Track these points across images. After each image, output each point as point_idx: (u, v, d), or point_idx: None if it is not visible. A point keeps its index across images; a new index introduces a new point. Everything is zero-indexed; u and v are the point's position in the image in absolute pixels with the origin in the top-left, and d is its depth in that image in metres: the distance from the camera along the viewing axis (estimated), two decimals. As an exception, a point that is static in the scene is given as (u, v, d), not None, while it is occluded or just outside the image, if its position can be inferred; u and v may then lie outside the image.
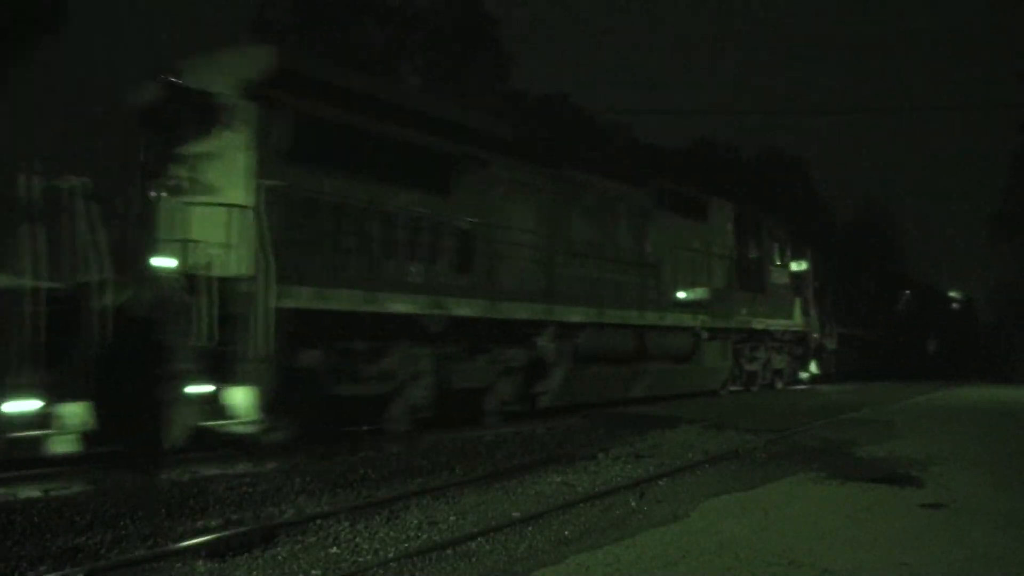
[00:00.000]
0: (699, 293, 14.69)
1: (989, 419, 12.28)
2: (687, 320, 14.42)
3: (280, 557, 4.49)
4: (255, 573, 4.26)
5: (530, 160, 11.36)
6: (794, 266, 19.91)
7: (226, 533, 4.90)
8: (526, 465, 7.53)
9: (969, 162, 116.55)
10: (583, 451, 8.40)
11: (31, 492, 5.83)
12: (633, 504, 5.89)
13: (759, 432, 9.87)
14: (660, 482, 6.72)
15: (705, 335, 14.97)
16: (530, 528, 5.15)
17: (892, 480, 6.70)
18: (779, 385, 18.94)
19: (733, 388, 17.00)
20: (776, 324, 18.19)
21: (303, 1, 27.70)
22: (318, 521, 5.27)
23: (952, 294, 42.65)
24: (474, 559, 4.50)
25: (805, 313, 19.99)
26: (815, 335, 21.32)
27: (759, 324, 17.19)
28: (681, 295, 14.36)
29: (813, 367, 21.37)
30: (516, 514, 5.49)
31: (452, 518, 5.40)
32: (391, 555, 4.49)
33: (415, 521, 5.29)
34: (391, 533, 4.99)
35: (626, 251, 13.10)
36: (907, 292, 33.42)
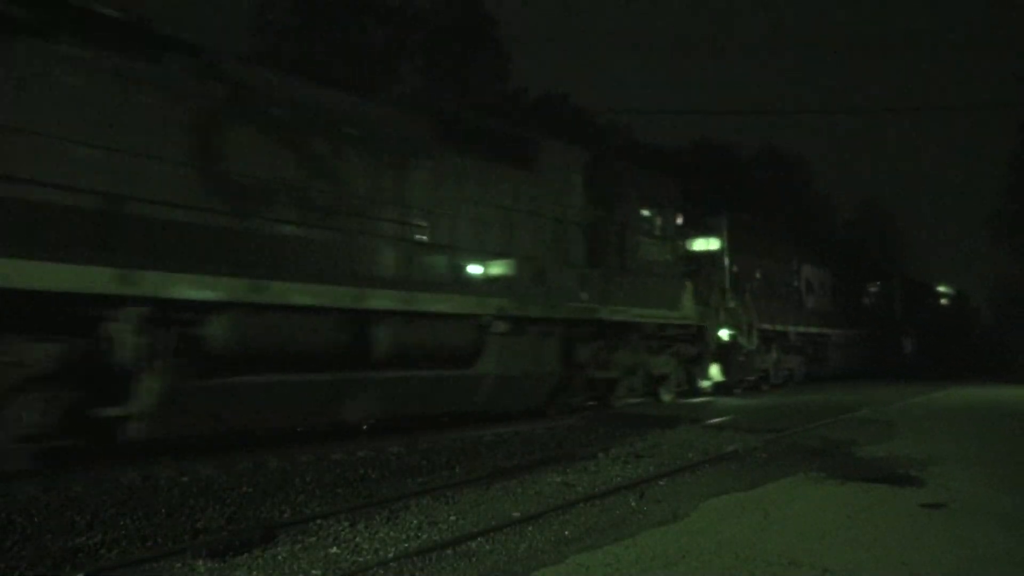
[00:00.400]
0: (498, 267, 10.35)
1: (989, 419, 12.27)
2: (467, 304, 9.79)
3: (280, 557, 4.49)
4: (255, 573, 4.26)
5: (123, 39, 7.12)
6: (701, 243, 15.55)
7: (226, 533, 4.90)
8: (526, 465, 7.53)
9: (969, 162, 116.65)
10: (583, 451, 8.41)
11: (31, 492, 5.82)
12: (633, 504, 5.89)
13: (758, 432, 9.87)
14: (660, 482, 6.72)
15: (501, 328, 10.25)
16: (530, 528, 5.15)
17: (892, 480, 6.70)
18: (666, 397, 14.44)
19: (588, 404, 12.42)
20: (650, 315, 13.32)
21: (303, 1, 27.71)
22: (318, 521, 5.27)
23: (941, 288, 39.06)
24: (474, 559, 4.50)
25: (703, 303, 15.25)
26: (726, 331, 16.57)
27: (616, 314, 12.33)
28: (473, 269, 10.05)
29: (715, 372, 16.63)
30: (516, 514, 5.49)
31: (452, 518, 5.41)
32: (391, 555, 4.49)
33: (415, 521, 5.29)
34: (391, 533, 4.99)
35: (362, 199, 8.77)
36: (878, 283, 29.49)
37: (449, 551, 4.60)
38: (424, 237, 9.47)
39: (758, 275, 19.29)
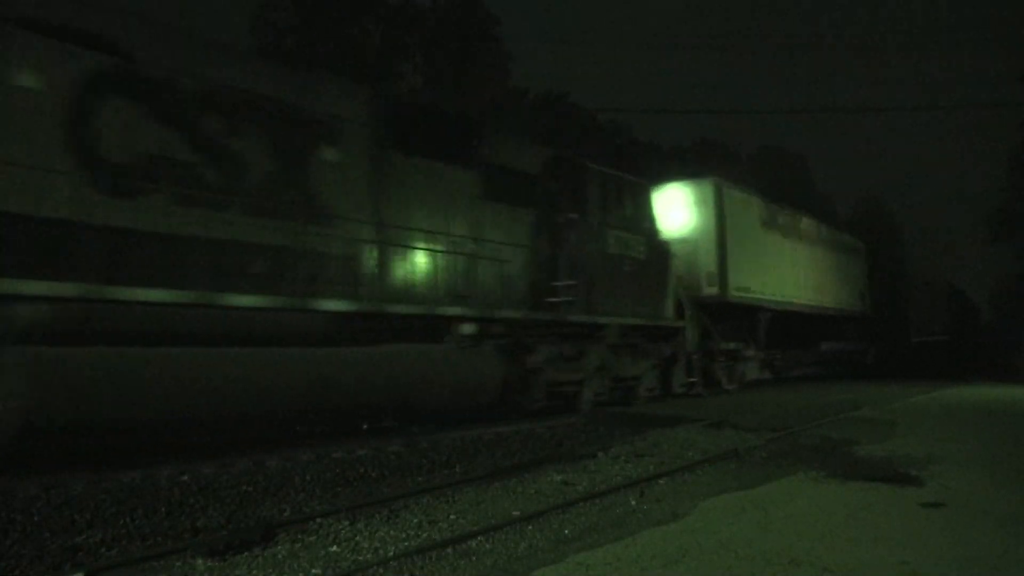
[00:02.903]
0: None
1: (989, 419, 12.26)
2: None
3: (280, 556, 4.50)
4: (255, 572, 4.25)
5: None
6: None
7: (225, 532, 4.90)
8: (526, 464, 7.53)
9: (970, 161, 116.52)
10: (583, 450, 8.41)
11: (31, 491, 5.82)
12: (633, 503, 5.89)
13: (759, 431, 9.87)
14: (660, 481, 6.72)
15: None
16: (530, 527, 5.15)
17: (892, 479, 6.70)
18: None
19: None
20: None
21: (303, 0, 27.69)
22: (318, 519, 5.27)
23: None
24: (474, 558, 4.50)
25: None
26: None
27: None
28: None
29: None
30: (516, 513, 5.49)
31: (452, 516, 5.41)
32: (391, 553, 4.49)
33: (415, 519, 5.29)
34: (391, 532, 4.99)
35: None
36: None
37: (449, 550, 4.60)
38: None
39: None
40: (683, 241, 16.19)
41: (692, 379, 15.58)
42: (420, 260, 9.56)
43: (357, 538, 4.83)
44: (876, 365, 27.77)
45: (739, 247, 17.12)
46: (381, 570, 4.24)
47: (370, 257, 8.97)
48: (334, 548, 4.63)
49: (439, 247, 9.77)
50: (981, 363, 29.55)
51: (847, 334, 25.22)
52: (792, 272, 19.92)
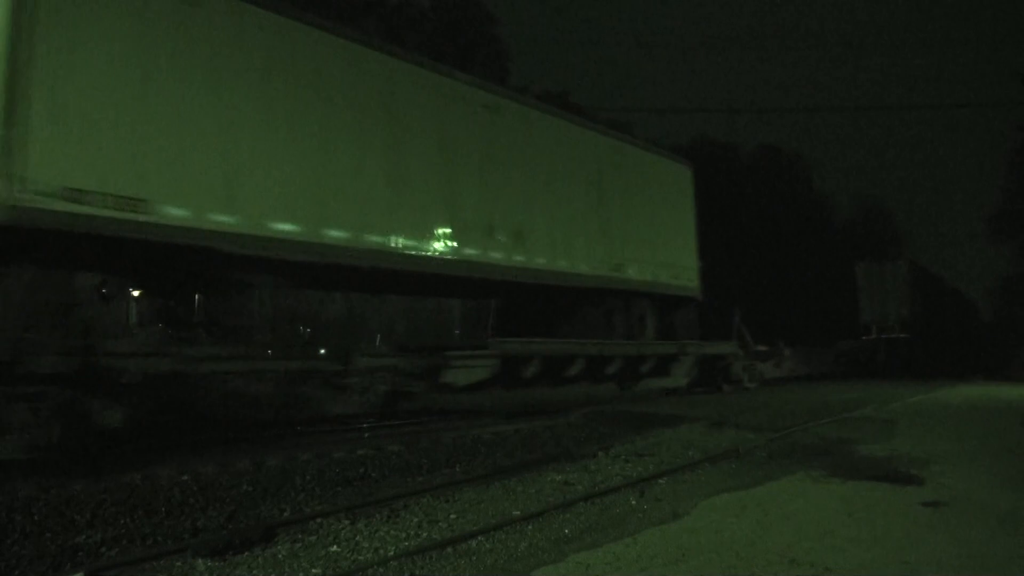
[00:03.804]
0: None
1: (989, 418, 12.27)
2: None
3: (280, 556, 4.49)
4: (255, 572, 4.25)
5: None
6: None
7: (226, 532, 4.90)
8: (526, 463, 7.53)
9: (969, 161, 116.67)
10: (583, 449, 8.41)
11: (31, 491, 5.82)
12: (633, 502, 5.89)
13: (759, 431, 9.87)
14: (660, 480, 6.72)
15: None
16: (530, 526, 5.15)
17: (892, 478, 6.70)
18: None
19: None
20: None
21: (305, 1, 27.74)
22: (318, 519, 5.28)
23: None
24: (474, 557, 4.50)
25: None
26: None
27: None
28: None
29: None
30: (516, 512, 5.49)
31: (452, 516, 5.41)
32: (391, 553, 4.49)
33: (415, 519, 5.29)
34: (391, 531, 4.99)
35: None
36: None
37: (449, 549, 4.60)
38: None
39: None
40: None
41: None
42: None
43: (357, 538, 4.83)
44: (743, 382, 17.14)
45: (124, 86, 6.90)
46: (381, 570, 4.24)
47: None
48: (334, 548, 4.63)
49: None
50: (977, 364, 29.06)
51: (619, 327, 13.90)
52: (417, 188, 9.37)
